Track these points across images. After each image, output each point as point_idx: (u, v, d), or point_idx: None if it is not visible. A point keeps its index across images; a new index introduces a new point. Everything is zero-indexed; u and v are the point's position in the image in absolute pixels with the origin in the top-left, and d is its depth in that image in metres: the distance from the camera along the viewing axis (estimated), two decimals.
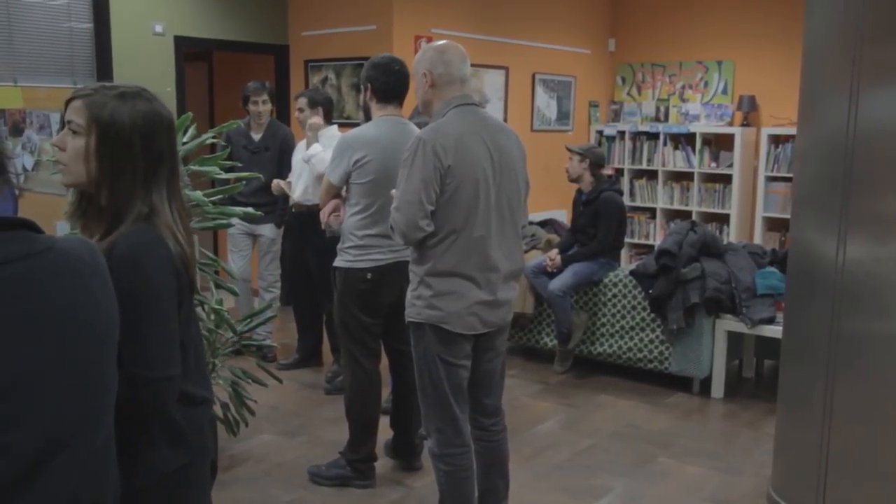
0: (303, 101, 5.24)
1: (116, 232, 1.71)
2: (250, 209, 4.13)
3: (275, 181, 5.35)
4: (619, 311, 5.50)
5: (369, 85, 3.69)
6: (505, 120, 7.74)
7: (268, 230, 5.71)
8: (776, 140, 7.78)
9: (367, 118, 3.89)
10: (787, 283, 3.77)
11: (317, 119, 5.10)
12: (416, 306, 2.97)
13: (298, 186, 5.20)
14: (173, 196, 1.81)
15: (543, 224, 6.36)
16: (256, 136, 5.65)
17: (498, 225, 2.94)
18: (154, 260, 1.70)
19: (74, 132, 1.73)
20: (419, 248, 2.93)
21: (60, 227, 4.36)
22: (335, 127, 5.24)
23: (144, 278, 1.67)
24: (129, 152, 1.73)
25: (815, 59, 3.45)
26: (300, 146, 5.37)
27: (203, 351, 1.96)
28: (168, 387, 1.71)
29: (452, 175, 2.82)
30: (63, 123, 1.78)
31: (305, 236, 5.12)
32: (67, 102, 1.76)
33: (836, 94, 3.28)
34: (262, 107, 5.64)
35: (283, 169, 5.57)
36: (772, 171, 7.83)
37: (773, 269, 5.27)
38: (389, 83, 3.68)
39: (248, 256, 5.80)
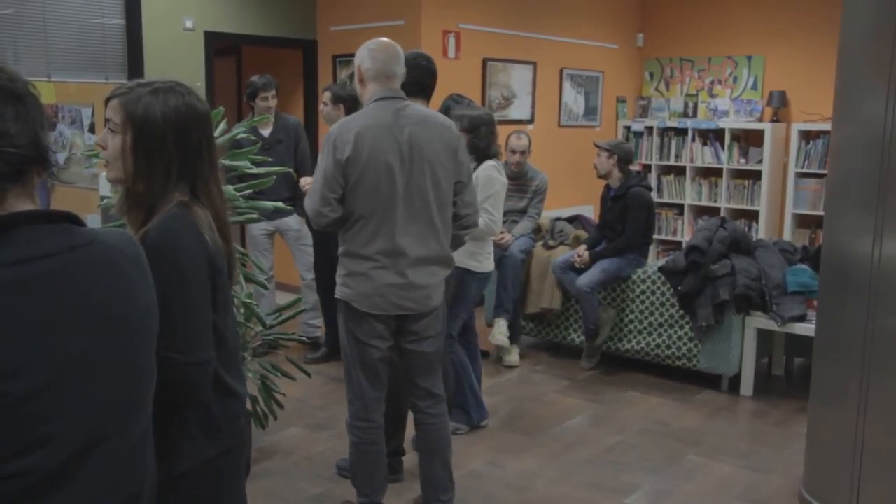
0: (327, 96, 5.26)
1: (152, 221, 1.74)
2: (279, 203, 4.14)
3: (303, 179, 5.38)
4: (647, 308, 5.47)
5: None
6: (532, 115, 7.73)
7: (292, 222, 5.72)
8: (807, 136, 7.70)
9: None
10: (820, 281, 3.73)
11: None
12: (336, 284, 3.24)
13: None
14: (211, 186, 1.83)
15: (571, 220, 6.33)
16: (266, 132, 5.63)
17: (407, 212, 3.09)
18: (185, 242, 1.73)
19: (113, 130, 1.79)
20: (339, 231, 3.18)
21: (91, 220, 4.40)
22: None
23: (174, 261, 1.70)
24: (162, 146, 1.76)
25: (851, 56, 3.41)
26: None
27: (239, 343, 1.97)
28: (201, 371, 1.72)
29: (353, 165, 3.03)
30: (105, 122, 1.82)
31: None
32: (106, 101, 1.81)
33: (874, 91, 3.24)
34: (272, 101, 5.65)
35: (300, 159, 5.61)
36: (802, 167, 7.75)
37: (804, 266, 5.21)
38: (417, 77, 3.70)
39: (271, 255, 5.83)
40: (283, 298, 5.76)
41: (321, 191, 3.08)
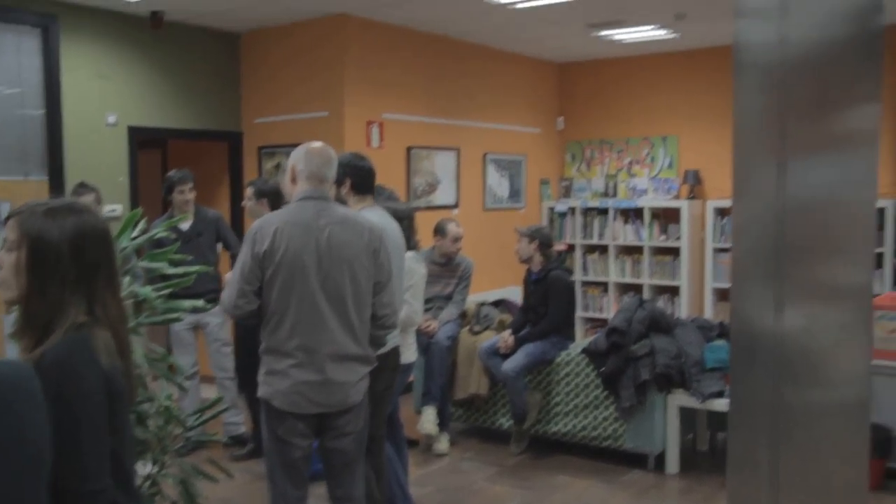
0: (250, 191, 5.32)
1: (48, 342, 1.75)
2: (198, 301, 4.13)
3: (227, 275, 5.38)
4: (572, 390, 5.55)
5: (349, 180, 3.85)
6: (457, 200, 7.88)
7: (213, 317, 5.69)
8: (721, 212, 8.01)
9: None
10: (730, 355, 3.86)
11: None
12: (258, 382, 3.26)
13: None
14: (109, 304, 1.86)
15: (496, 304, 6.44)
16: (185, 225, 5.64)
17: (324, 310, 3.15)
18: (81, 369, 1.74)
19: (9, 249, 1.82)
20: (260, 328, 3.23)
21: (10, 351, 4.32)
22: None
23: (70, 389, 1.70)
24: (57, 265, 1.79)
25: (744, 135, 3.59)
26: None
27: (134, 461, 1.97)
28: (99, 499, 1.72)
29: (269, 259, 3.12)
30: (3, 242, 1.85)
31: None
32: (5, 220, 1.84)
33: (766, 168, 3.41)
34: (189, 195, 5.68)
35: (232, 250, 5.65)
36: (719, 242, 8.03)
37: (721, 342, 5.38)
38: (366, 177, 3.91)
39: (194, 352, 5.78)
40: (213, 392, 5.71)
41: (238, 283, 3.18)
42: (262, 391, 3.25)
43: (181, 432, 4.06)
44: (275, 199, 5.41)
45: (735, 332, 3.71)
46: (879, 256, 7.27)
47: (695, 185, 8.38)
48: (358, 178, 3.88)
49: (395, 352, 3.96)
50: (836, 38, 3.22)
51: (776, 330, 3.40)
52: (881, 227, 7.27)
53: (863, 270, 3.48)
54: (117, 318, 1.88)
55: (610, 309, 8.54)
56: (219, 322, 5.75)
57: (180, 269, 4.11)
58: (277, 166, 7.26)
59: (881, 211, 7.25)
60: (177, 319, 4.05)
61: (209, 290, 5.44)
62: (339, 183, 3.85)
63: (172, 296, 4.21)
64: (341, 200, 3.93)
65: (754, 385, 3.54)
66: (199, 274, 5.19)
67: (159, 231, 4.11)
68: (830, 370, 3.32)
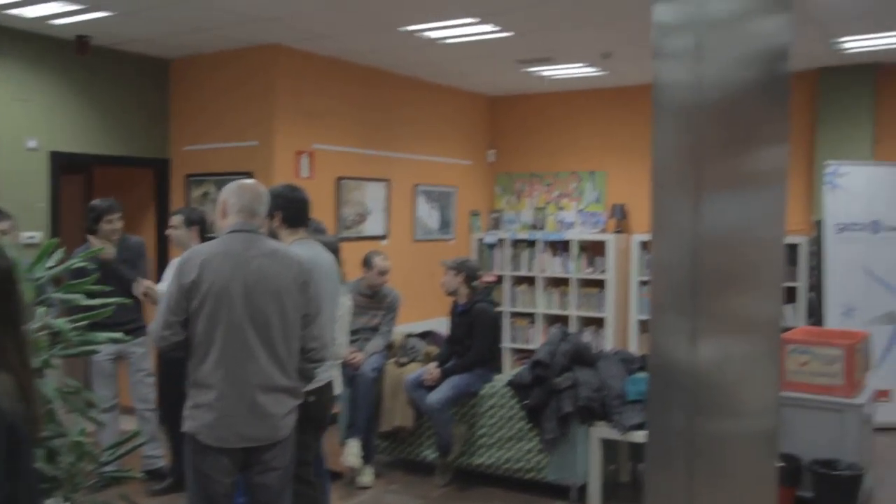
0: (178, 219, 5.25)
1: None
2: (116, 334, 4.04)
3: (141, 283, 5.29)
4: (497, 422, 5.58)
5: (279, 213, 3.83)
6: (387, 231, 7.90)
7: (136, 346, 5.57)
8: (646, 246, 8.18)
9: None
10: (648, 387, 3.94)
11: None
12: (183, 416, 3.21)
13: None
14: (10, 351, 1.80)
15: (423, 336, 6.44)
16: (109, 254, 5.53)
17: (251, 342, 3.14)
18: None
19: None
20: (187, 360, 3.20)
21: None
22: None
23: None
24: None
25: (662, 172, 3.69)
26: (173, 264, 5.34)
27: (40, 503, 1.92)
28: None
29: (195, 291, 3.11)
30: None
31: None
32: None
33: (682, 204, 3.51)
34: (117, 224, 5.57)
35: (142, 275, 5.52)
36: (643, 275, 8.20)
37: (642, 374, 5.47)
38: (298, 209, 3.89)
39: (114, 383, 5.64)
40: (134, 424, 5.58)
41: (165, 314, 3.17)
42: (187, 425, 3.20)
43: (94, 468, 3.96)
44: (204, 227, 5.36)
45: (653, 365, 3.79)
46: (794, 291, 7.50)
47: (621, 219, 8.56)
48: (289, 210, 3.86)
49: (330, 385, 3.95)
50: (748, 81, 3.35)
51: (691, 362, 3.48)
52: (795, 262, 7.51)
53: (772, 304, 3.59)
54: (19, 361, 1.82)
55: (537, 340, 8.62)
56: (142, 352, 5.63)
57: (97, 301, 4.03)
58: (205, 195, 7.18)
59: (795, 247, 7.49)
60: (93, 352, 3.96)
61: (131, 320, 5.34)
62: (270, 215, 3.85)
63: (93, 326, 4.13)
64: (273, 233, 3.92)
65: (670, 416, 3.62)
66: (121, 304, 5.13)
67: (76, 261, 4.03)
68: (742, 401, 3.41)
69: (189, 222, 5.24)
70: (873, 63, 7.37)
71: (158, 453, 5.68)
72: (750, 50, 3.35)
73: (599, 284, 8.49)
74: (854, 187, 7.09)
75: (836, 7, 5.56)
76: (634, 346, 8.18)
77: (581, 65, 7.57)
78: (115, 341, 4.01)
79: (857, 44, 6.66)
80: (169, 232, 5.34)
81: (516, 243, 8.94)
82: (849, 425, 4.96)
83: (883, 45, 6.68)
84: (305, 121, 7.04)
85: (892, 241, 7.09)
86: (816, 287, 7.27)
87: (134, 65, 7.07)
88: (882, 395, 6.77)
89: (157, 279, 5.70)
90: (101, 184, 7.82)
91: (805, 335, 5.44)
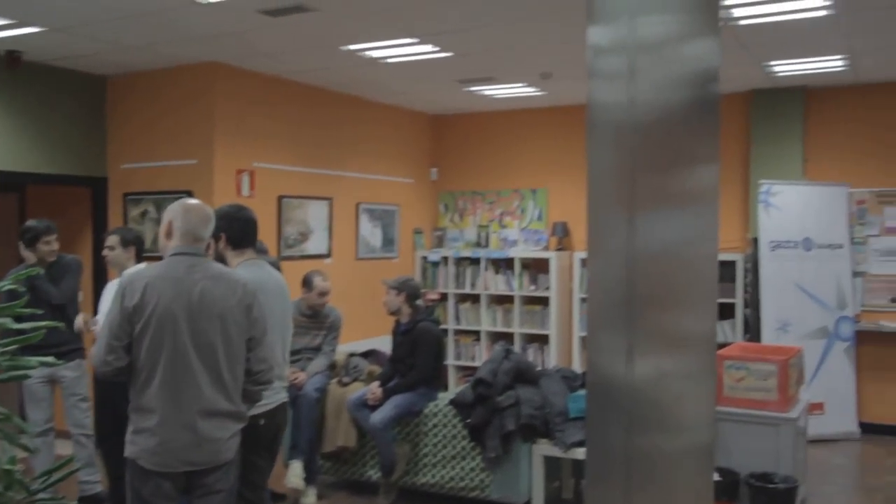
0: (114, 240, 5.16)
1: None
2: (49, 358, 3.95)
3: (79, 318, 5.18)
4: (440, 441, 5.57)
5: (223, 234, 3.79)
6: (329, 250, 7.86)
7: (69, 370, 5.44)
8: (586, 263, 8.25)
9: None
10: (587, 404, 3.97)
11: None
12: (124, 441, 3.17)
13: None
14: None
15: (366, 355, 6.41)
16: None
17: (195, 366, 3.10)
18: None
19: None
20: (128, 385, 3.15)
21: None
22: (144, 265, 5.16)
23: None
24: None
25: (597, 190, 3.74)
26: (110, 286, 5.25)
27: None
28: None
29: (139, 314, 3.07)
30: None
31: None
32: None
33: (617, 221, 3.56)
34: (55, 245, 5.46)
35: (63, 294, 5.38)
36: (585, 293, 8.26)
37: (584, 391, 5.51)
38: (244, 229, 3.85)
39: (49, 407, 5.50)
40: (70, 448, 5.45)
41: (107, 338, 3.10)
42: (128, 450, 3.14)
43: (24, 497, 3.85)
44: (141, 247, 5.27)
45: (590, 382, 3.83)
46: (731, 307, 7.65)
47: (563, 236, 8.65)
48: (234, 231, 3.83)
49: (283, 407, 3.92)
50: (679, 102, 3.42)
51: (627, 379, 3.53)
52: (733, 279, 7.67)
53: (707, 320, 3.66)
54: None
55: (482, 357, 8.64)
56: (75, 376, 5.50)
57: (28, 325, 3.93)
58: (144, 213, 7.07)
59: (732, 264, 7.65)
60: (24, 377, 3.86)
61: (63, 343, 5.22)
62: (215, 237, 3.79)
63: (23, 349, 4.02)
64: (219, 254, 3.88)
65: (608, 433, 3.65)
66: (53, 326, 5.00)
67: (5, 284, 3.93)
68: (679, 417, 3.47)
69: (125, 243, 5.16)
70: (802, 86, 7.59)
71: (95, 478, 5.54)
72: (680, 72, 3.43)
73: (543, 302, 8.55)
74: (786, 206, 7.28)
75: (764, 34, 5.73)
76: (577, 363, 8.26)
77: (521, 85, 7.65)
78: (46, 365, 3.92)
79: (786, 67, 6.86)
80: (105, 253, 5.24)
81: (460, 261, 8.96)
82: (784, 439, 5.06)
83: (809, 69, 6.90)
84: (246, 139, 6.99)
85: (823, 258, 7.29)
86: (752, 303, 7.44)
87: (69, 81, 6.95)
88: (815, 408, 6.95)
89: (94, 300, 5.59)
90: (36, 203, 7.65)
91: (741, 351, 5.55)
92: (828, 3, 5.04)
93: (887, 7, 5.13)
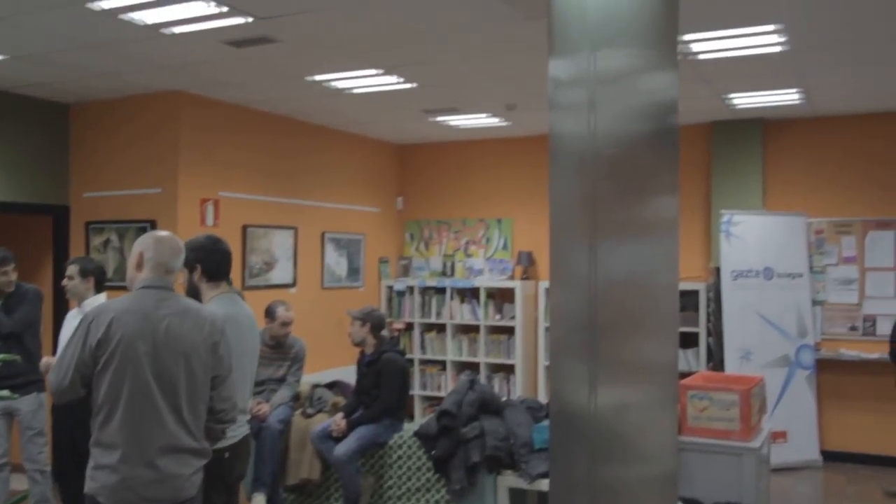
0: (73, 269, 5.09)
1: None
2: (4, 391, 3.89)
3: (44, 360, 5.10)
4: (405, 473, 5.53)
5: (199, 266, 3.77)
6: (294, 279, 7.82)
7: (26, 403, 5.33)
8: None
9: (195, 299, 3.86)
10: (550, 434, 3.97)
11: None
12: (82, 476, 3.09)
13: None
14: None
15: (330, 386, 6.37)
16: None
17: (158, 401, 3.06)
18: None
19: None
20: (90, 419, 3.08)
21: None
22: (104, 295, 5.11)
23: None
24: None
25: (560, 220, 3.78)
26: (70, 315, 5.18)
27: None
28: None
29: (103, 349, 3.01)
30: None
31: (70, 407, 4.83)
32: None
33: (579, 251, 3.59)
34: (12, 275, 5.38)
35: (19, 321, 5.30)
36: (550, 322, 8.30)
37: (548, 422, 5.51)
38: (221, 262, 3.83)
39: (4, 441, 5.38)
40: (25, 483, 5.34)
41: (68, 368, 3.04)
42: (88, 486, 3.07)
43: None
44: (100, 277, 5.21)
45: (554, 413, 3.83)
46: (695, 336, 7.72)
47: (528, 266, 8.68)
48: (210, 263, 3.80)
49: (247, 440, 3.88)
50: (639, 133, 3.48)
51: (590, 409, 3.53)
52: (696, 308, 7.74)
53: (668, 349, 3.69)
54: None
55: (448, 387, 8.62)
56: (31, 409, 5.38)
57: None
58: (106, 242, 6.99)
59: (695, 293, 7.73)
60: None
61: (19, 375, 5.12)
62: (190, 269, 3.78)
63: None
64: (194, 286, 3.85)
65: (572, 464, 3.65)
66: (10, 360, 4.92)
67: None
68: (641, 447, 3.47)
69: (83, 273, 5.09)
70: (761, 118, 7.74)
71: None
72: (640, 104, 3.48)
73: (508, 331, 8.56)
74: (747, 236, 7.38)
75: (722, 68, 5.84)
76: (543, 393, 8.26)
77: (486, 115, 7.71)
78: (2, 399, 3.85)
79: (745, 100, 7.00)
80: (65, 283, 5.17)
81: (425, 290, 8.96)
82: (747, 468, 5.09)
83: (767, 102, 7.05)
84: (211, 168, 6.95)
85: (784, 287, 7.39)
86: (716, 332, 7.51)
87: (31, 109, 6.88)
88: (778, 436, 7.01)
89: (55, 330, 5.50)
90: None
91: (704, 381, 5.58)
92: (783, 40, 5.15)
93: (839, 44, 5.26)
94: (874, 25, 4.89)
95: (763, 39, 5.14)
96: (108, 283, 5.41)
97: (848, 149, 7.66)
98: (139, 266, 3.23)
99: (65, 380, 3.04)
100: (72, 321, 5.02)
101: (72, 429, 4.92)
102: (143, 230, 6.33)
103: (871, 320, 7.51)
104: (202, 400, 3.21)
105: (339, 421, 5.59)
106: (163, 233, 3.35)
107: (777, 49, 5.33)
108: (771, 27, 4.89)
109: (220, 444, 3.60)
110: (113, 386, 3.02)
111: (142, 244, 3.26)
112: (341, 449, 5.46)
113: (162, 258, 3.22)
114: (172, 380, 3.10)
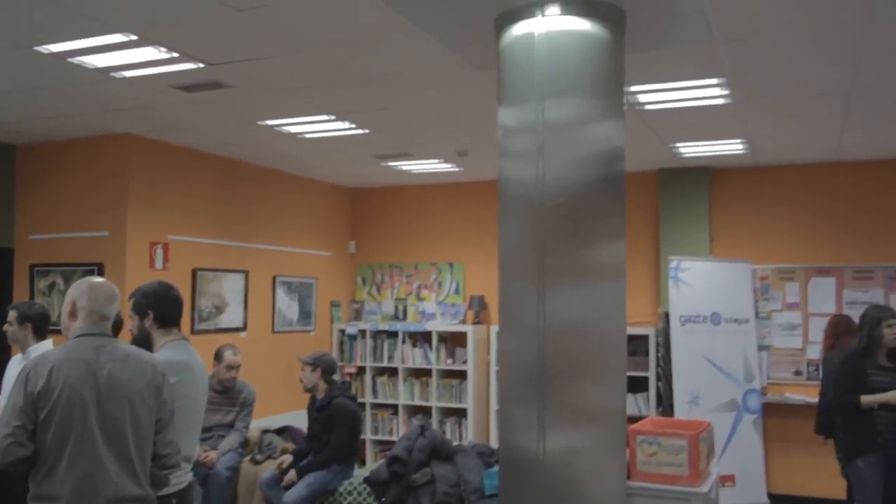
0: (12, 315, 4.98)
1: None
2: None
3: None
4: None
5: (151, 312, 3.73)
6: (245, 323, 7.74)
7: None
8: None
9: (146, 345, 3.80)
10: (500, 480, 3.96)
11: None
12: None
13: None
14: None
15: (280, 431, 6.29)
16: None
17: (102, 450, 3.00)
18: None
19: None
20: (29, 472, 2.98)
21: None
22: (49, 341, 5.00)
23: None
24: None
25: (508, 265, 3.82)
26: (14, 361, 5.06)
27: None
28: None
29: (44, 399, 2.93)
30: None
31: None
32: None
33: (528, 296, 3.62)
34: None
35: None
36: None
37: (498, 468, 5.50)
38: (173, 308, 3.80)
39: None
40: None
41: (10, 425, 2.93)
42: None
43: None
44: (41, 324, 5.09)
45: (503, 458, 3.83)
46: (644, 381, 7.79)
47: (480, 310, 8.71)
48: (161, 309, 3.76)
49: (192, 486, 3.80)
50: (587, 180, 3.54)
51: (539, 454, 3.54)
52: (646, 352, 7.82)
53: (616, 395, 3.72)
54: None
55: (399, 431, 8.55)
56: None
57: None
58: (52, 286, 6.86)
59: (645, 338, 7.82)
60: None
61: None
62: (141, 315, 3.74)
63: None
64: (145, 333, 3.81)
65: None
66: None
67: None
68: (590, 492, 3.48)
69: (21, 319, 4.97)
70: (707, 166, 7.93)
71: None
72: (587, 152, 3.55)
73: (461, 375, 8.55)
74: (695, 281, 7.50)
75: (669, 118, 5.99)
76: (495, 438, 8.23)
77: (438, 160, 7.78)
78: None
79: (691, 149, 7.17)
80: (4, 328, 5.05)
81: (377, 334, 8.92)
82: None
83: (712, 151, 7.23)
84: (160, 211, 6.89)
85: (731, 333, 7.51)
86: (665, 376, 7.58)
87: None
88: (727, 479, 7.06)
89: None
90: None
91: (653, 426, 5.62)
92: (726, 93, 5.31)
93: (780, 97, 5.44)
94: (808, 80, 5.06)
95: (707, 92, 5.29)
96: (53, 328, 5.29)
97: (789, 198, 7.87)
98: (73, 315, 3.17)
99: (9, 436, 2.90)
100: (15, 367, 4.90)
101: (10, 483, 4.77)
102: (89, 273, 6.23)
103: (814, 365, 7.65)
104: (147, 445, 3.15)
105: (285, 459, 5.52)
106: (96, 279, 3.29)
107: (720, 101, 5.49)
108: (714, 80, 5.03)
109: (165, 491, 3.54)
110: (57, 436, 2.94)
111: (75, 292, 3.20)
112: (291, 496, 5.38)
113: (95, 306, 3.17)
114: (118, 426, 3.04)
